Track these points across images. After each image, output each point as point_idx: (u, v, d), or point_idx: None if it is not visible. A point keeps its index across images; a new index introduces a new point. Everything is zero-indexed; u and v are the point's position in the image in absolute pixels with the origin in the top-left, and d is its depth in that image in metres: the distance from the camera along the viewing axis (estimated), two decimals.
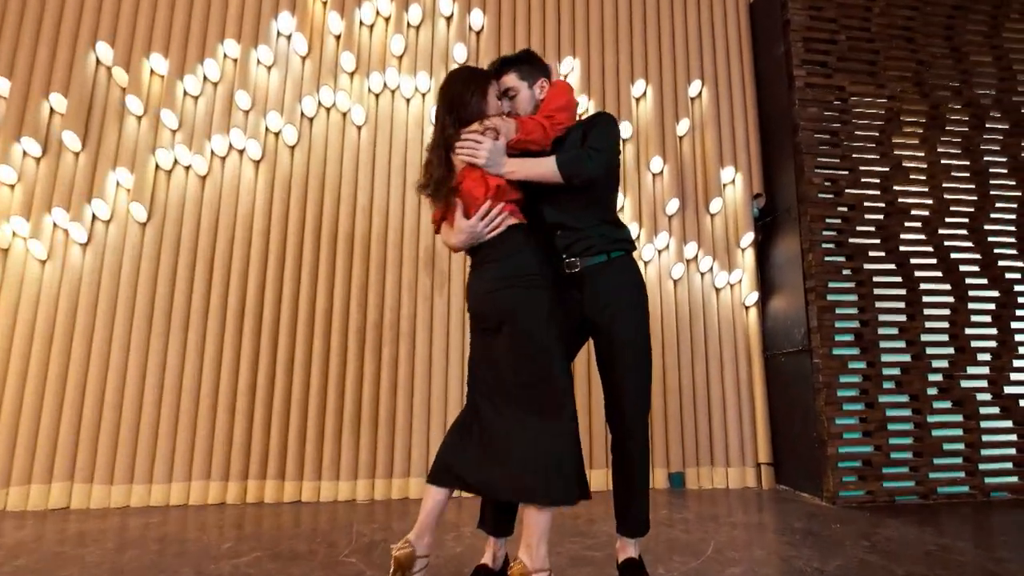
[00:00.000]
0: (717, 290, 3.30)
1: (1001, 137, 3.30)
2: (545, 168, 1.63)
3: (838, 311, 2.95)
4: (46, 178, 2.78)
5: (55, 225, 2.79)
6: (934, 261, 3.10)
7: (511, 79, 1.76)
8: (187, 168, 2.94)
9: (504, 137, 1.61)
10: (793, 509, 2.67)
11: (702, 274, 3.29)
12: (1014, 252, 3.20)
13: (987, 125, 3.29)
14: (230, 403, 2.80)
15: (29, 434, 2.63)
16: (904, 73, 3.24)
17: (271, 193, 3.00)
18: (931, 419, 2.94)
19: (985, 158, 3.25)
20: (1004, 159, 3.29)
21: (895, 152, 3.16)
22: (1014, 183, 3.27)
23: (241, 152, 2.99)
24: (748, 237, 3.29)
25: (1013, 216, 3.24)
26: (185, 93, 2.95)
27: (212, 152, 2.96)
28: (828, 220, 3.02)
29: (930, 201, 3.16)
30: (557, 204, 1.71)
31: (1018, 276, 3.17)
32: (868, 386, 2.91)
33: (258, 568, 1.76)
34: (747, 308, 3.32)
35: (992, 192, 3.23)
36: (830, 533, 2.24)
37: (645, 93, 3.34)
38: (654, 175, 3.28)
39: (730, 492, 3.07)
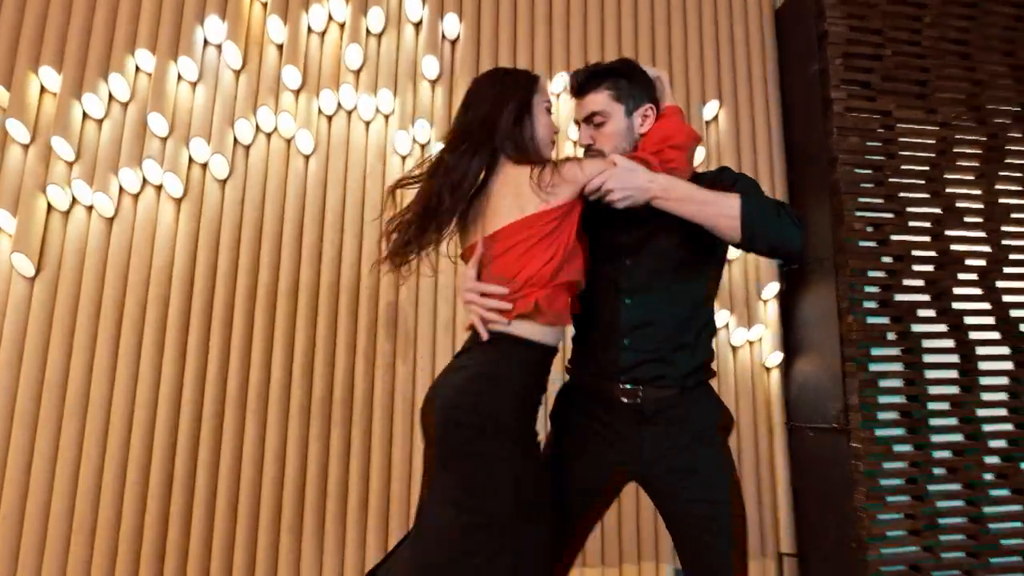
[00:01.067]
0: (734, 348, 2.80)
1: None
2: (716, 208, 1.09)
3: (882, 383, 2.46)
4: None
5: None
6: (992, 320, 2.62)
7: (601, 99, 1.22)
8: (88, 208, 2.37)
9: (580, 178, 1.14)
10: None
11: (717, 330, 2.79)
12: None
13: None
14: (139, 506, 2.25)
15: None
16: (958, 95, 2.74)
17: (196, 238, 2.44)
18: (988, 511, 2.48)
19: None
20: None
21: (948, 190, 2.67)
22: None
23: (158, 188, 2.43)
24: (772, 288, 2.78)
25: None
26: (85, 116, 2.36)
27: (121, 188, 2.39)
28: (871, 274, 2.52)
29: (987, 248, 2.67)
30: (644, 289, 1.20)
31: None
32: (917, 473, 2.44)
33: None
34: (768, 370, 2.82)
35: None
36: None
37: None
38: None
39: None
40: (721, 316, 2.77)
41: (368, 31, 2.60)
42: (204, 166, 2.47)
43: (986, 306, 2.63)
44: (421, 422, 1.18)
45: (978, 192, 2.70)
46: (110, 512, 2.22)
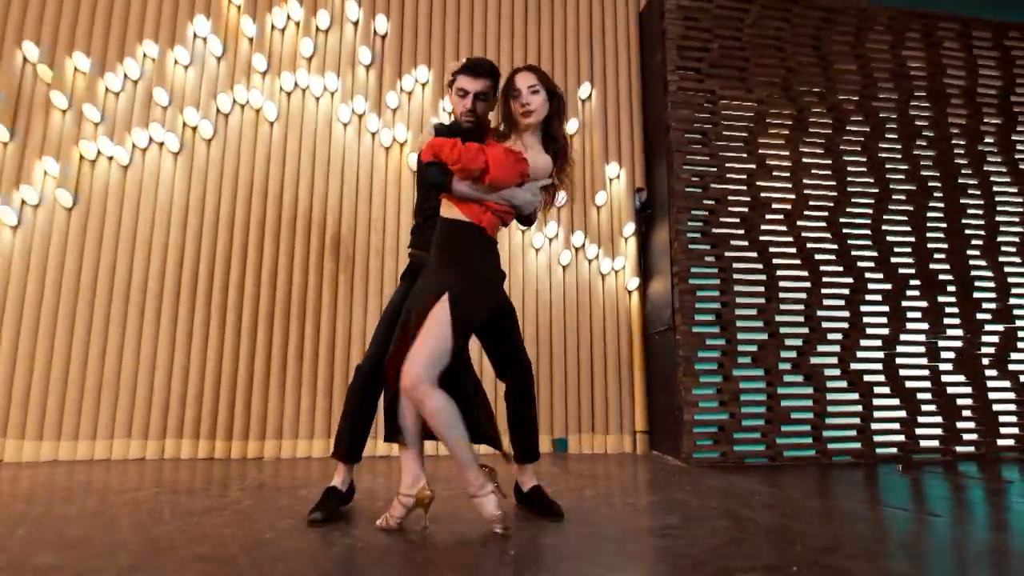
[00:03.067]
0: (603, 275, 3.70)
1: (862, 139, 3.72)
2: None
3: (700, 293, 3.36)
4: None
5: None
6: (793, 250, 3.52)
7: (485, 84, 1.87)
8: (110, 159, 3.28)
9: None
10: (651, 467, 3.09)
11: (589, 261, 3.69)
12: (868, 243, 3.62)
13: (848, 128, 3.70)
14: (149, 371, 3.17)
15: None
16: (773, 79, 3.64)
17: (188, 183, 3.35)
18: (781, 391, 3.37)
19: (844, 157, 3.67)
20: (863, 159, 3.70)
21: (760, 151, 3.57)
22: (872, 180, 3.69)
23: (160, 145, 3.34)
24: (630, 227, 3.69)
25: (869, 211, 3.66)
26: (107, 90, 3.29)
27: (133, 144, 3.30)
28: (694, 212, 3.42)
29: (792, 196, 3.57)
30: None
31: (871, 264, 3.60)
32: (725, 360, 3.33)
33: (155, 500, 2.13)
34: (630, 292, 3.72)
35: (850, 188, 3.64)
36: (666, 483, 2.63)
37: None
38: None
39: (608, 456, 3.49)
40: (591, 250, 3.67)
41: (317, 28, 3.52)
42: (195, 129, 3.38)
43: (789, 239, 3.52)
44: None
45: (786, 153, 3.60)
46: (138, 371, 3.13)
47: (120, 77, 3.29)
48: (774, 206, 3.54)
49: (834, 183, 3.64)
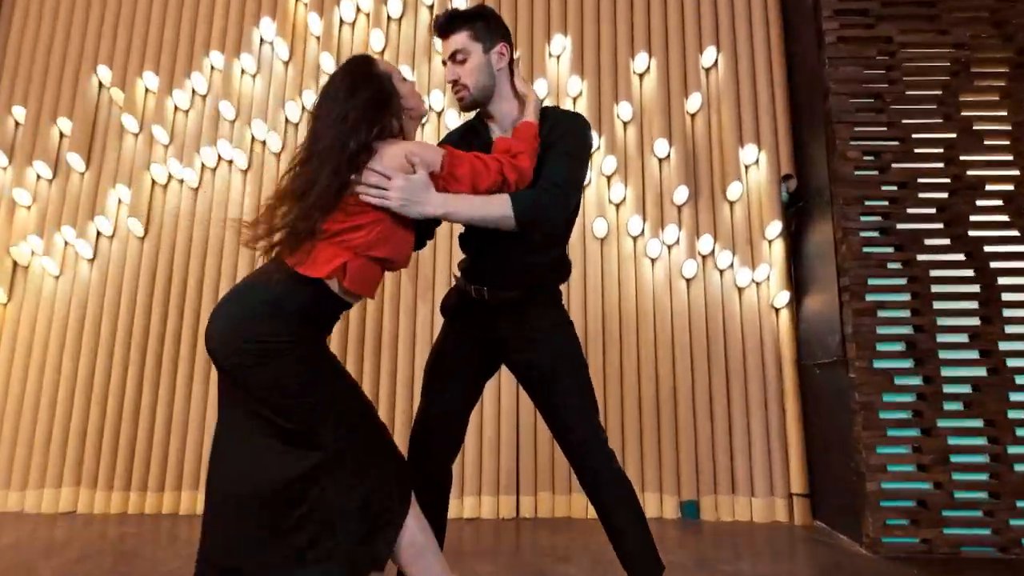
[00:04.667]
0: (740, 289, 2.98)
1: None
2: (496, 211, 1.29)
3: (882, 314, 2.54)
4: (56, 198, 3.12)
5: (65, 243, 3.11)
6: (1021, 248, 2.58)
7: (461, 38, 1.39)
8: (180, 182, 3.17)
9: (423, 169, 1.25)
10: (811, 550, 2.35)
11: (721, 271, 2.99)
12: None
13: None
14: None
15: (42, 439, 2.95)
16: (979, 13, 2.73)
17: (258, 202, 3.14)
18: (1012, 450, 2.45)
19: None
20: None
21: (964, 113, 2.67)
22: None
23: (229, 163, 3.17)
24: (775, 227, 2.94)
25: None
26: (175, 108, 3.18)
27: (202, 164, 3.16)
28: (868, 202, 2.62)
29: (1015, 172, 2.63)
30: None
31: None
32: (924, 407, 2.48)
33: None
34: (777, 310, 2.97)
35: None
36: None
37: (649, 68, 3.09)
38: (660, 160, 3.03)
39: (754, 527, 2.77)
40: (723, 258, 2.97)
41: (389, 17, 3.18)
42: (263, 143, 3.18)
43: (1014, 233, 2.59)
44: None
45: (1003, 113, 2.67)
46: None
47: (188, 93, 3.17)
48: (989, 187, 2.63)
49: None
